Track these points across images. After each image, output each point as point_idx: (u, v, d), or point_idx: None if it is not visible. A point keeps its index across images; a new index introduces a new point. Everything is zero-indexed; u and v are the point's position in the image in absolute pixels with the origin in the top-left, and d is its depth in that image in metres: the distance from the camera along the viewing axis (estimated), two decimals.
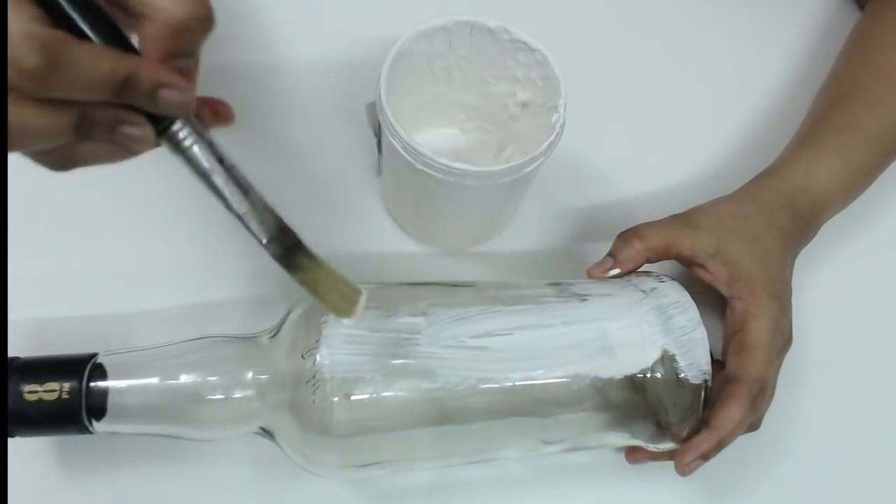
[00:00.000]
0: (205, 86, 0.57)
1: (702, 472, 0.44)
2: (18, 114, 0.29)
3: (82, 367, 0.40)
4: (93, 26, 0.30)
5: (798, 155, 0.55)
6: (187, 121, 0.33)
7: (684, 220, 0.51)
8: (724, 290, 0.49)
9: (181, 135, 0.33)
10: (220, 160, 0.35)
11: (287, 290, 0.52)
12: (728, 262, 0.48)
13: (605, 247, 0.50)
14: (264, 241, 0.37)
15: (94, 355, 0.41)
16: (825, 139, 0.55)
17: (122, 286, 0.51)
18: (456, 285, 0.46)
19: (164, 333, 0.44)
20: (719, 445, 0.44)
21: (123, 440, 0.42)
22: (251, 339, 0.43)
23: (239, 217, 0.36)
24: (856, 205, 0.56)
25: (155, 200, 0.54)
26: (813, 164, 0.53)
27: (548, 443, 0.45)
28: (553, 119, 0.46)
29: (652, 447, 0.46)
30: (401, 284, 0.45)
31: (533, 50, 0.48)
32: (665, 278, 0.47)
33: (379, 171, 0.55)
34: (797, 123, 0.59)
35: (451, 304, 0.43)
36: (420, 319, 0.42)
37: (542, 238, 0.57)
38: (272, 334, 0.43)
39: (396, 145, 0.45)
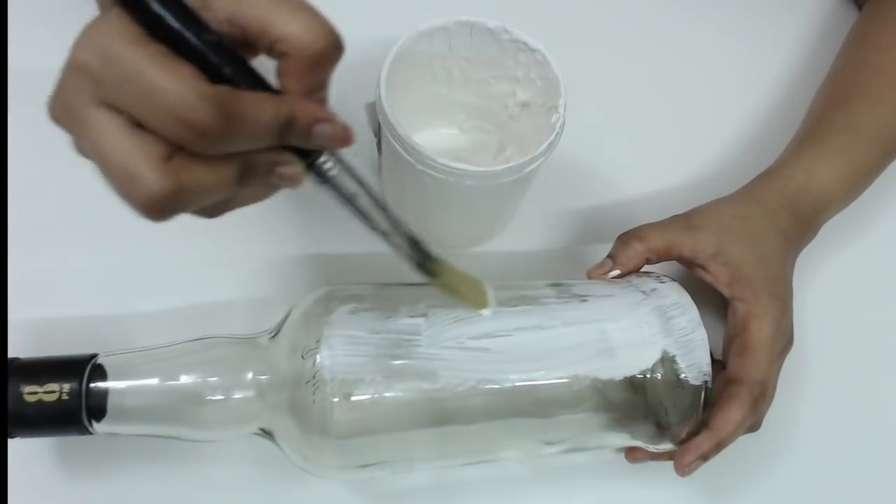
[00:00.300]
0: None
1: (702, 473, 0.44)
2: (193, 175, 0.28)
3: (82, 368, 0.39)
4: (239, 73, 0.29)
5: (799, 155, 0.55)
6: (327, 151, 0.33)
7: (685, 221, 0.51)
8: (725, 292, 0.49)
9: (326, 165, 0.34)
10: (361, 183, 0.35)
11: (287, 291, 0.52)
12: (729, 263, 0.48)
13: (606, 248, 0.50)
14: (407, 254, 0.38)
15: (94, 356, 0.41)
16: (826, 139, 0.55)
17: (122, 286, 0.51)
18: None
19: (164, 334, 0.44)
20: (719, 446, 0.44)
21: (123, 441, 0.42)
22: (251, 339, 0.43)
23: (383, 234, 0.37)
24: (856, 205, 0.56)
25: None
26: (814, 165, 0.53)
27: (548, 444, 0.45)
28: (553, 119, 0.46)
29: (651, 448, 0.46)
30: (400, 285, 0.45)
31: (533, 50, 0.48)
32: (665, 279, 0.47)
33: (379, 171, 0.55)
34: (797, 123, 0.59)
35: (451, 305, 0.43)
36: (420, 321, 0.42)
37: (542, 238, 0.57)
38: (272, 335, 0.43)
39: (396, 145, 0.45)
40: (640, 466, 0.50)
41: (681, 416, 0.43)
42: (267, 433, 0.42)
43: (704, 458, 0.44)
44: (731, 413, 0.44)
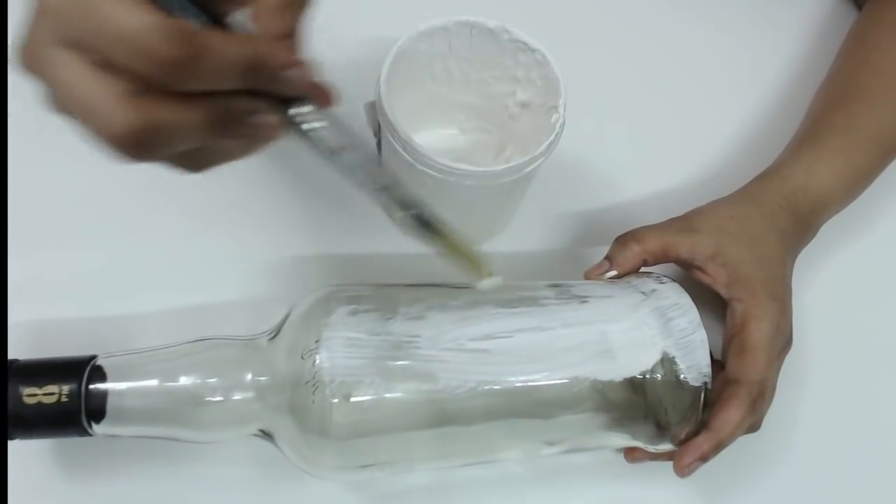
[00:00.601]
0: None
1: (702, 473, 0.44)
2: (160, 112, 0.28)
3: (81, 370, 0.39)
4: (197, 12, 0.29)
5: (798, 155, 0.55)
6: (306, 102, 0.32)
7: (682, 223, 0.51)
8: (723, 292, 0.49)
9: (303, 116, 0.33)
10: (348, 137, 0.34)
11: (286, 292, 0.52)
12: (727, 264, 0.48)
13: (605, 248, 0.50)
14: (400, 213, 0.36)
15: (94, 357, 0.41)
16: (825, 139, 0.55)
17: (121, 287, 0.51)
18: (455, 287, 0.46)
19: (164, 335, 0.44)
20: (718, 447, 0.44)
21: (123, 441, 0.42)
22: (250, 340, 0.43)
23: (372, 193, 0.35)
24: (856, 205, 0.56)
25: (154, 202, 0.54)
26: (813, 165, 0.53)
27: (548, 444, 0.45)
28: (553, 119, 0.46)
29: (651, 448, 0.46)
30: (400, 286, 0.45)
31: (533, 50, 0.48)
32: (665, 280, 0.47)
33: None
34: (796, 123, 0.59)
35: (450, 306, 0.43)
36: (420, 322, 0.42)
37: (542, 238, 0.57)
38: (272, 336, 0.43)
39: (396, 145, 0.45)
40: (639, 466, 0.50)
41: (680, 416, 0.43)
42: (266, 434, 0.42)
43: (704, 458, 0.44)
44: (730, 414, 0.44)
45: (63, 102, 0.28)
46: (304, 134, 0.33)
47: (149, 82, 0.27)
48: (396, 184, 0.35)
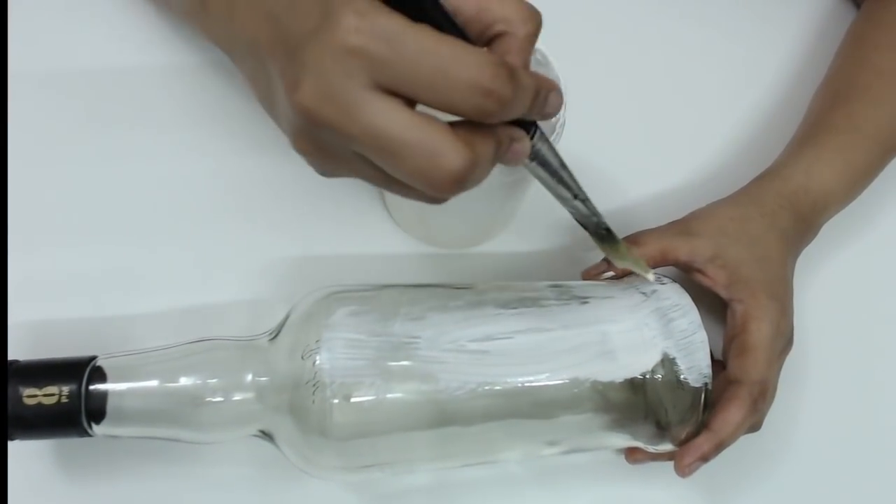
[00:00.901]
0: (208, 84, 0.57)
1: (702, 473, 0.44)
2: (480, 146, 0.29)
3: (81, 371, 0.39)
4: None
5: (798, 155, 0.55)
6: (537, 127, 0.35)
7: (681, 226, 0.51)
8: (723, 294, 0.49)
9: (539, 140, 0.35)
10: (558, 155, 0.37)
11: (287, 292, 0.52)
12: (727, 266, 0.48)
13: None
14: (603, 223, 0.42)
15: (94, 358, 0.40)
16: (825, 139, 0.55)
17: (121, 288, 0.51)
18: (455, 288, 0.46)
19: (164, 335, 0.44)
20: (719, 447, 0.44)
21: (123, 442, 0.42)
22: (251, 341, 0.43)
23: (584, 201, 0.40)
24: (856, 205, 0.56)
25: (153, 203, 0.54)
26: (813, 165, 0.53)
27: (548, 445, 0.45)
28: (553, 119, 0.46)
29: (651, 449, 0.46)
30: (401, 286, 0.45)
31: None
32: (666, 280, 0.47)
33: None
34: (796, 123, 0.59)
35: (450, 307, 0.43)
36: (420, 323, 0.42)
37: (542, 238, 0.57)
38: (272, 337, 0.43)
39: None
40: (639, 466, 0.50)
41: (681, 417, 0.43)
42: (267, 435, 0.42)
43: (704, 459, 0.44)
44: (731, 414, 0.44)
45: (384, 155, 0.28)
46: (537, 155, 0.36)
47: (474, 118, 0.28)
48: (588, 198, 0.40)
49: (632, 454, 0.49)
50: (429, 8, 0.29)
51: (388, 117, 0.28)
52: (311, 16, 0.29)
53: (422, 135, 0.28)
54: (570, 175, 0.38)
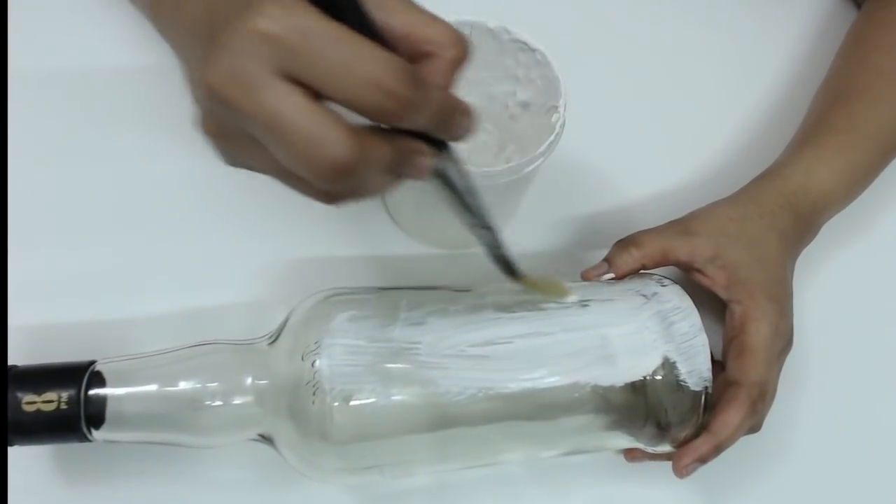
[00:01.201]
0: None
1: (702, 473, 0.44)
2: (373, 146, 0.30)
3: (80, 376, 0.39)
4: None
5: (798, 155, 0.54)
6: (448, 146, 0.35)
7: (681, 226, 0.51)
8: (722, 294, 0.49)
9: (446, 160, 0.35)
10: (467, 179, 0.37)
11: (286, 295, 0.52)
12: (726, 267, 0.48)
13: (605, 250, 0.50)
14: (506, 256, 0.41)
15: (93, 363, 0.40)
16: (825, 139, 0.55)
17: (120, 291, 0.51)
18: (455, 291, 0.46)
19: (163, 339, 0.44)
20: (717, 449, 0.44)
21: (122, 445, 0.42)
22: (250, 344, 0.43)
23: (489, 229, 0.39)
24: (856, 205, 0.56)
25: (153, 206, 0.54)
26: (813, 165, 0.53)
27: (548, 447, 0.45)
28: (553, 119, 0.46)
29: (651, 450, 0.46)
30: (400, 289, 0.45)
31: (533, 50, 0.47)
32: (667, 282, 0.47)
33: None
34: (796, 123, 0.59)
35: (450, 312, 0.43)
36: (420, 328, 0.42)
37: (542, 239, 0.57)
38: (271, 340, 0.43)
39: None
40: (639, 466, 0.50)
41: (680, 419, 0.43)
42: (266, 439, 0.42)
43: (703, 460, 0.44)
44: (730, 416, 0.44)
45: (274, 136, 0.29)
46: (442, 174, 0.36)
47: (369, 114, 0.29)
48: (496, 227, 0.40)
49: (630, 453, 0.49)
50: (349, 11, 0.29)
51: (283, 100, 0.28)
52: (241, 2, 0.29)
53: (311, 120, 0.28)
54: (477, 203, 0.38)
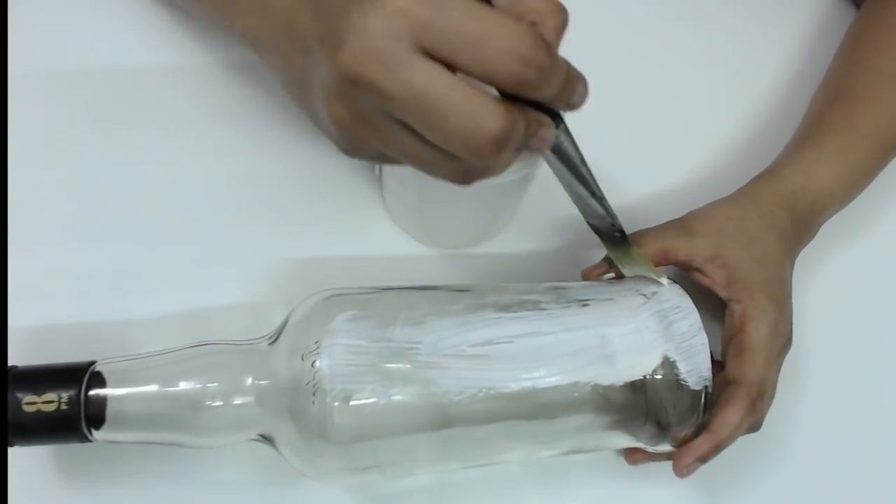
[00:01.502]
0: (208, 85, 0.57)
1: (702, 473, 0.44)
2: (518, 116, 0.30)
3: (81, 376, 0.39)
4: None
5: (797, 155, 0.54)
6: (561, 119, 0.35)
7: (681, 226, 0.51)
8: (722, 294, 0.49)
9: (561, 133, 0.36)
10: (579, 150, 0.37)
11: (286, 294, 0.52)
12: (726, 266, 0.48)
13: (605, 250, 0.50)
14: (618, 224, 0.43)
15: (93, 363, 0.40)
16: (824, 139, 0.55)
17: (120, 292, 0.51)
18: (455, 290, 0.46)
19: (163, 339, 0.44)
20: (717, 448, 0.44)
21: (122, 445, 0.42)
22: (250, 344, 0.43)
23: (600, 200, 0.41)
24: (856, 205, 0.56)
25: (152, 204, 0.54)
26: (812, 165, 0.53)
27: (548, 447, 0.45)
28: None
29: (651, 449, 0.46)
30: (400, 289, 0.45)
31: None
32: (666, 281, 0.47)
33: (379, 171, 0.55)
34: (796, 123, 0.59)
35: (450, 311, 0.43)
36: (420, 328, 0.41)
37: (543, 239, 0.57)
38: (271, 340, 0.43)
39: None
40: (639, 466, 0.50)
41: (680, 418, 0.43)
42: (267, 439, 0.42)
43: (703, 459, 0.44)
44: (729, 415, 0.44)
45: (419, 112, 0.29)
46: (557, 147, 0.36)
47: (511, 87, 0.29)
48: (605, 198, 0.41)
49: (631, 455, 0.49)
50: None
51: (431, 77, 0.28)
52: None
53: (465, 95, 0.28)
54: (590, 172, 0.39)
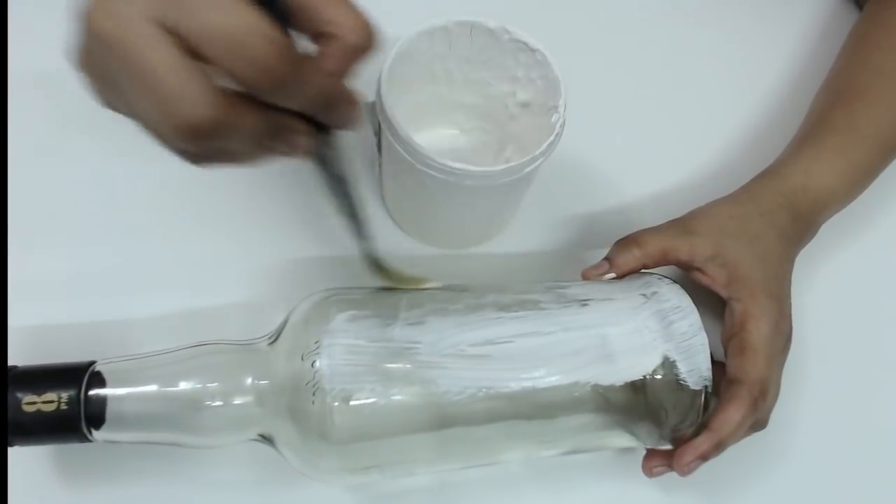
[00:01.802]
0: None
1: (702, 473, 0.44)
2: (236, 111, 0.29)
3: (80, 376, 0.39)
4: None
5: (798, 155, 0.54)
6: (332, 132, 0.35)
7: (681, 225, 0.51)
8: (722, 293, 0.49)
9: (328, 144, 0.35)
10: (348, 168, 0.38)
11: (285, 294, 0.52)
12: (726, 265, 0.48)
13: (605, 250, 0.50)
14: (362, 242, 0.42)
15: (93, 363, 0.40)
16: (825, 139, 0.55)
17: (120, 291, 0.51)
18: (454, 290, 0.46)
19: (162, 339, 0.44)
20: (719, 447, 0.44)
21: (122, 445, 0.42)
22: (250, 344, 0.43)
23: (359, 221, 0.40)
24: (856, 205, 0.56)
25: (152, 206, 0.54)
26: (813, 164, 0.53)
27: (548, 447, 0.45)
28: (553, 119, 0.46)
29: (650, 445, 0.46)
30: (399, 289, 0.45)
31: (533, 50, 0.47)
32: (666, 281, 0.47)
33: (379, 171, 0.55)
34: (797, 123, 0.59)
35: (450, 311, 0.43)
36: (420, 328, 0.42)
37: (542, 239, 0.57)
38: (271, 340, 0.43)
39: (396, 145, 0.44)
40: (638, 466, 0.49)
41: (680, 418, 0.43)
42: (267, 439, 0.42)
43: (704, 457, 0.44)
44: (730, 414, 0.44)
45: (138, 81, 0.28)
46: (322, 158, 0.36)
47: (240, 83, 0.28)
48: (365, 220, 0.41)
49: (649, 465, 0.48)
50: None
51: (153, 47, 0.27)
52: None
53: (176, 74, 0.27)
54: (350, 193, 0.39)
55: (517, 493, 0.50)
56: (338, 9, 0.31)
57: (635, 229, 0.51)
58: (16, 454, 0.41)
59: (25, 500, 0.46)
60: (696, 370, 0.43)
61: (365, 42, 0.32)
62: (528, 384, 0.41)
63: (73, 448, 0.43)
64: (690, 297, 0.46)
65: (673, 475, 0.46)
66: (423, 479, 0.49)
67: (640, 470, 0.50)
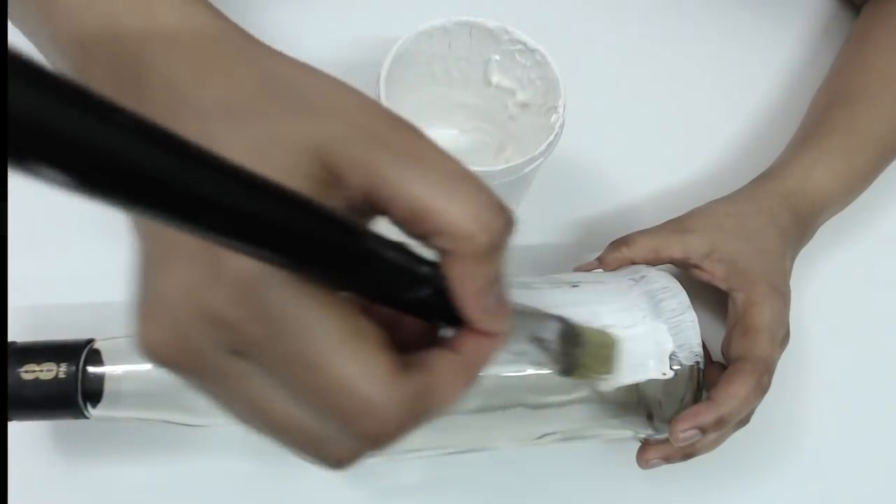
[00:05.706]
0: None
1: (701, 472, 0.44)
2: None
3: (79, 352, 0.40)
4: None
5: (797, 156, 0.55)
6: None
7: (676, 224, 0.51)
8: (722, 286, 0.49)
9: None
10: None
11: None
12: (724, 259, 0.48)
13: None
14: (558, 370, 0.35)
15: (91, 341, 0.41)
16: (824, 140, 0.55)
17: (121, 276, 0.51)
18: None
19: None
20: (719, 422, 0.43)
21: (120, 428, 0.42)
22: None
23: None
24: (856, 205, 0.56)
25: None
26: (812, 166, 0.53)
27: (542, 433, 0.44)
28: (552, 120, 0.47)
29: (642, 434, 0.46)
30: None
31: (532, 50, 0.48)
32: (655, 268, 0.47)
33: None
34: (797, 124, 0.59)
35: None
36: None
37: (542, 239, 0.57)
38: None
39: None
40: (632, 459, 0.49)
41: (672, 398, 0.43)
42: None
43: (702, 428, 0.42)
44: (735, 387, 0.43)
45: (244, 411, 0.25)
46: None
47: (366, 438, 0.24)
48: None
49: (643, 456, 0.47)
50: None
51: (259, 393, 0.24)
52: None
53: (298, 422, 0.24)
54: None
55: (517, 492, 0.50)
56: (451, 208, 0.23)
57: (634, 230, 0.51)
58: (15, 437, 0.41)
59: (24, 482, 0.46)
60: (686, 345, 0.43)
61: (492, 242, 0.23)
62: (519, 367, 0.41)
63: (70, 430, 0.43)
64: (689, 296, 0.46)
65: (668, 469, 0.45)
66: (421, 474, 0.49)
67: (640, 470, 0.50)
